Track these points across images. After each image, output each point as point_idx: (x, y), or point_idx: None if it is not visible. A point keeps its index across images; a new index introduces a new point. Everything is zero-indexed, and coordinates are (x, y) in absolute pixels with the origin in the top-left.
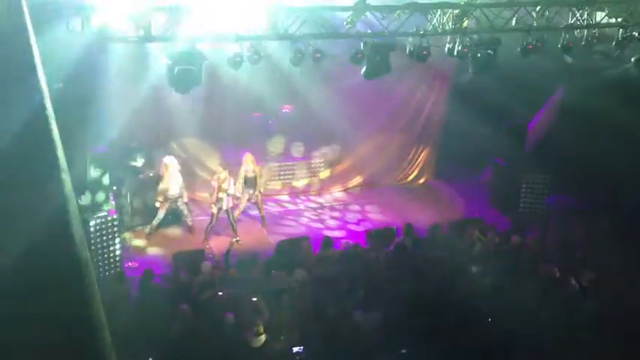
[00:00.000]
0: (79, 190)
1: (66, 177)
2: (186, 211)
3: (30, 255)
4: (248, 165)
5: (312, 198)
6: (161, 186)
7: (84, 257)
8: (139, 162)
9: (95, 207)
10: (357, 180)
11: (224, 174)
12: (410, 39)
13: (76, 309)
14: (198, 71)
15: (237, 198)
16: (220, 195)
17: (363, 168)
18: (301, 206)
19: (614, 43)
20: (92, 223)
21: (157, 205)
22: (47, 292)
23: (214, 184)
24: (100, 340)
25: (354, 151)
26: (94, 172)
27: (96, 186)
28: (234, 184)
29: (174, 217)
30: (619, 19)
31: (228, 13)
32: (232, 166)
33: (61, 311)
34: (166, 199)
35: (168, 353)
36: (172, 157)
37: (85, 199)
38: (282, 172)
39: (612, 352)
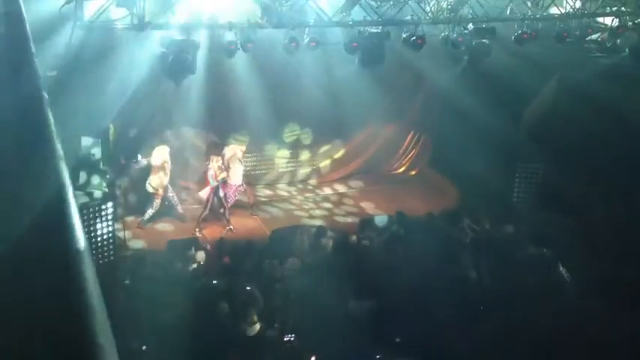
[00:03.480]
0: (74, 179)
1: (62, 165)
2: (175, 200)
3: (26, 245)
4: (239, 154)
5: (307, 187)
6: (155, 175)
7: (82, 246)
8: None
9: (89, 195)
10: (352, 169)
11: (219, 161)
12: (405, 28)
13: (73, 299)
14: (192, 59)
15: (240, 185)
16: (214, 182)
17: (358, 157)
18: (296, 195)
19: (608, 33)
20: (86, 211)
21: (154, 195)
22: (44, 282)
23: (211, 171)
24: (97, 328)
25: (349, 141)
26: (88, 160)
27: (90, 174)
28: (229, 171)
29: (168, 205)
30: (613, 9)
31: (223, 0)
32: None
33: (58, 301)
34: (161, 188)
35: (162, 341)
36: (164, 147)
37: (79, 188)
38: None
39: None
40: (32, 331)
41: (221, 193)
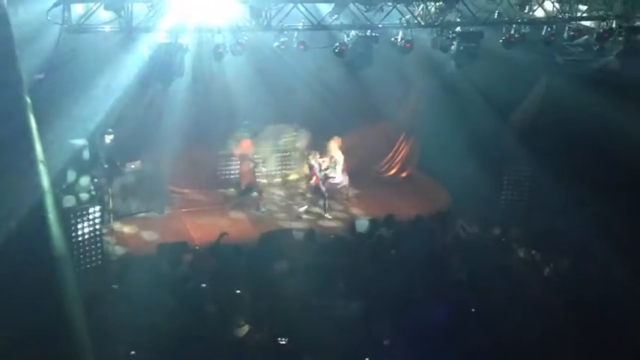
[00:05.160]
0: (59, 182)
1: (43, 169)
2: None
3: (5, 248)
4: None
5: (297, 189)
6: (242, 167)
7: (61, 250)
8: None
9: (77, 199)
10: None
11: (317, 155)
12: (393, 31)
13: (50, 301)
14: (180, 63)
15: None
16: (321, 174)
17: (347, 159)
18: (286, 197)
19: (595, 37)
20: (73, 215)
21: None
22: (22, 284)
23: (315, 165)
24: (74, 333)
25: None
26: (78, 160)
27: (77, 178)
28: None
29: (153, 207)
30: (600, 12)
31: (211, 3)
32: None
33: (35, 303)
34: (240, 185)
35: (150, 345)
36: (247, 141)
37: (67, 192)
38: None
39: (581, 337)
40: (9, 335)
41: (322, 186)
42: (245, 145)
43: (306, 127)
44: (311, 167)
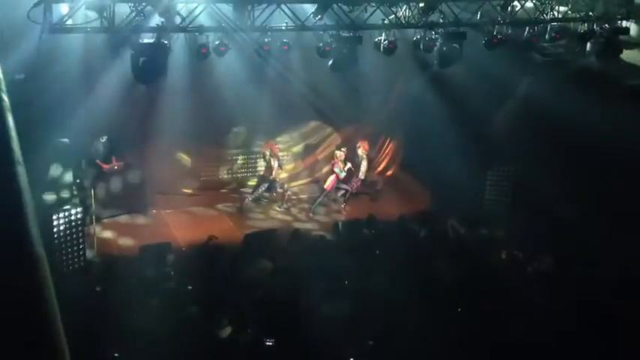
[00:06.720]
0: (41, 184)
1: (21, 170)
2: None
3: None
4: (364, 150)
5: (279, 190)
6: (269, 165)
7: (38, 254)
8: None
9: (59, 200)
10: (325, 171)
11: (342, 156)
12: (377, 32)
13: (24, 306)
14: (162, 63)
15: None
16: (343, 173)
17: (330, 160)
18: (268, 198)
19: (576, 38)
20: (55, 216)
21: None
22: None
23: (337, 164)
24: (49, 338)
25: (322, 143)
26: (56, 165)
27: (59, 179)
28: (361, 165)
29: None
30: (581, 14)
31: (194, 3)
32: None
33: (8, 308)
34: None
35: (133, 347)
36: (272, 143)
37: (49, 193)
38: (248, 164)
39: (566, 335)
40: None
41: (342, 185)
42: (269, 147)
43: (279, 130)
44: (333, 165)
